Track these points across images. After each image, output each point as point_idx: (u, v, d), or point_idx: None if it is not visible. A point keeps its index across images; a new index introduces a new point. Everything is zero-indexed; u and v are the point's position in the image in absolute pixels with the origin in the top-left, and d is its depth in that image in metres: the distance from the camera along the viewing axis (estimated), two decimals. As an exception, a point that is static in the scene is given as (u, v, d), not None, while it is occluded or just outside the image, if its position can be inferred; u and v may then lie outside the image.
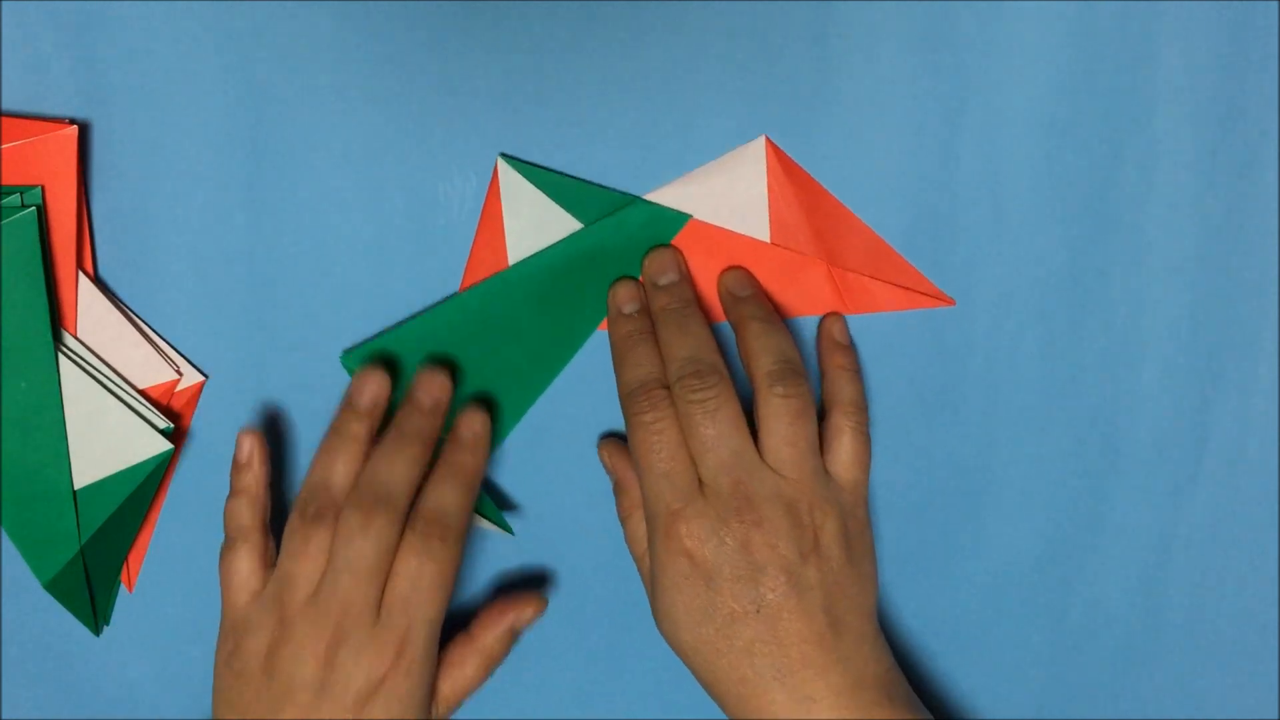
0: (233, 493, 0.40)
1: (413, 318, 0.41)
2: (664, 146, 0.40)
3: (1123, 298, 0.42)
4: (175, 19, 0.39)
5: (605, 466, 0.42)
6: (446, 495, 0.39)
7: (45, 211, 0.39)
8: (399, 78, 0.40)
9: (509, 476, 0.43)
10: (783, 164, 0.40)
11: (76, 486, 0.41)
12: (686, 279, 0.41)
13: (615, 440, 0.42)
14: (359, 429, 0.39)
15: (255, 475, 0.40)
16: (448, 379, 0.40)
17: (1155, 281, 0.42)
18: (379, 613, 0.37)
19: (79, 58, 0.39)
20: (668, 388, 0.39)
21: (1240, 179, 0.41)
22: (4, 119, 0.39)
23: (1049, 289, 0.42)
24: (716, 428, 0.38)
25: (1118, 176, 0.41)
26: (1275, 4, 0.39)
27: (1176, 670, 0.45)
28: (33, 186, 0.39)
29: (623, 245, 0.40)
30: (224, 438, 0.43)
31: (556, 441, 0.43)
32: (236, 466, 0.40)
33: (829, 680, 0.37)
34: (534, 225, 0.40)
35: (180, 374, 0.42)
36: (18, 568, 0.43)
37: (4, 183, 0.39)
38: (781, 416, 0.38)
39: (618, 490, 0.42)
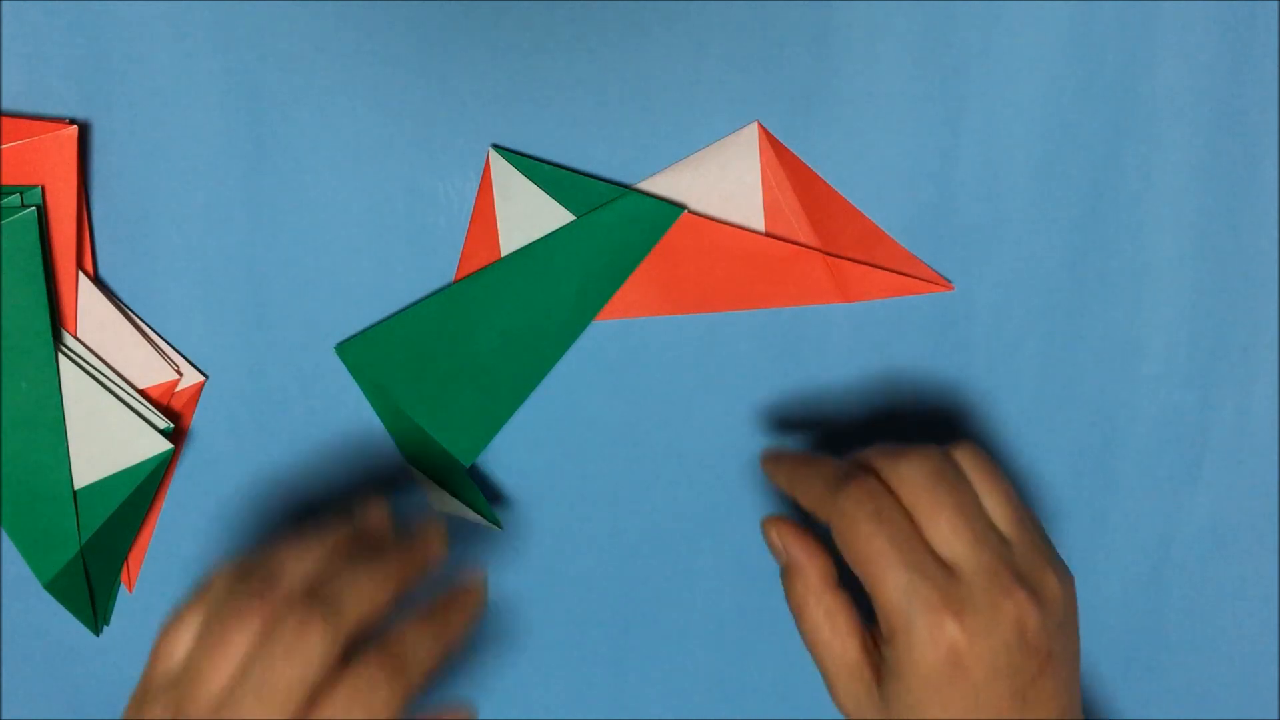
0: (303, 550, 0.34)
1: (406, 309, 0.41)
2: (664, 147, 0.40)
3: (1123, 297, 0.42)
4: (175, 19, 0.39)
5: (774, 548, 0.37)
6: (417, 637, 0.34)
7: (45, 211, 0.39)
8: (398, 77, 0.40)
9: (502, 470, 0.43)
10: (776, 150, 0.40)
11: (76, 486, 0.41)
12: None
13: (785, 519, 0.37)
14: (342, 537, 0.35)
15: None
16: (444, 545, 0.36)
17: (1155, 280, 0.42)
18: None
19: (79, 58, 0.39)
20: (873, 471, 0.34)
21: (1240, 179, 0.41)
22: (4, 119, 0.39)
23: (1049, 289, 0.42)
24: (954, 495, 0.33)
25: (1118, 176, 0.41)
26: (1275, 4, 0.39)
27: (1176, 670, 0.45)
28: (33, 186, 0.39)
29: (616, 237, 0.40)
30: (224, 438, 0.43)
31: (551, 435, 0.43)
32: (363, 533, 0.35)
33: None
34: (526, 216, 0.40)
35: (180, 374, 0.42)
36: (18, 568, 0.43)
37: (4, 183, 0.39)
38: (983, 475, 0.34)
39: (789, 574, 0.36)
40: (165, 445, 0.41)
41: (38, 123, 0.39)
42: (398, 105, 0.40)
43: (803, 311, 0.42)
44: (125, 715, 0.33)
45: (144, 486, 0.42)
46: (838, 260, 0.41)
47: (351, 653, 0.32)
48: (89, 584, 0.42)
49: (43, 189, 0.39)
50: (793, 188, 0.40)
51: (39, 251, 0.39)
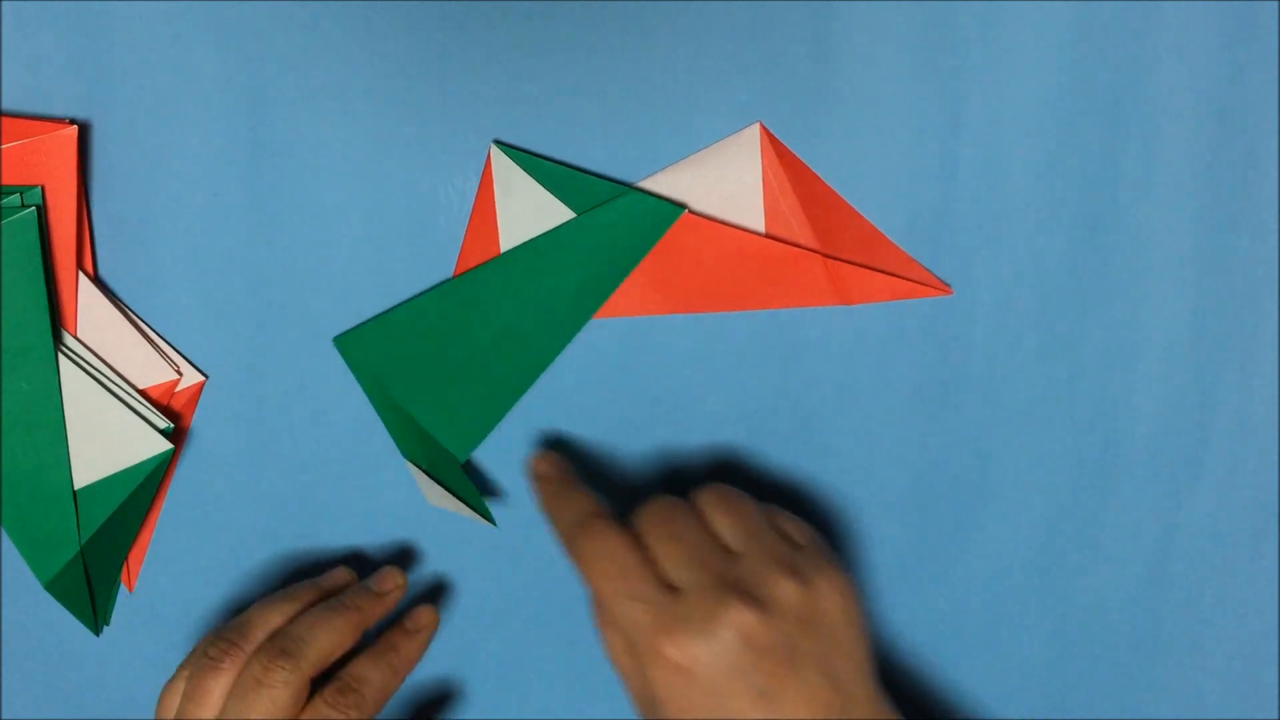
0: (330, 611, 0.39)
1: (405, 302, 0.41)
2: (664, 147, 0.40)
3: (1123, 297, 0.42)
4: (175, 19, 0.39)
5: (580, 578, 0.39)
6: (370, 670, 0.39)
7: (45, 211, 0.39)
8: (398, 77, 0.40)
9: (500, 468, 0.43)
10: (777, 151, 0.40)
11: (76, 486, 0.41)
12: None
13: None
14: (306, 594, 0.40)
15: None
16: (404, 581, 0.41)
17: (1155, 281, 0.42)
18: None
19: (79, 58, 0.39)
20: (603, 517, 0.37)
21: (1240, 179, 0.41)
22: (4, 119, 0.39)
23: (1049, 289, 0.42)
24: (676, 525, 0.36)
25: (1118, 176, 0.41)
26: (1275, 4, 0.39)
27: (1176, 670, 0.45)
28: (33, 186, 0.39)
29: (616, 236, 0.40)
30: (224, 438, 0.43)
31: (549, 433, 0.43)
32: (378, 599, 0.41)
33: None
34: (526, 213, 0.40)
35: (180, 374, 0.42)
36: (18, 568, 0.43)
37: (4, 183, 0.39)
38: (716, 504, 0.37)
39: (592, 604, 0.38)
40: (165, 445, 0.41)
41: (38, 123, 0.39)
42: (398, 105, 0.40)
43: (801, 313, 0.42)
44: None
45: (144, 486, 0.42)
46: (837, 263, 0.41)
47: (316, 687, 0.38)
48: (89, 584, 0.42)
49: (43, 189, 0.39)
50: (793, 189, 0.40)
51: (39, 251, 0.39)
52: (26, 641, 0.44)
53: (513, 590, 0.44)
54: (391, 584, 0.41)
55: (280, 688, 0.36)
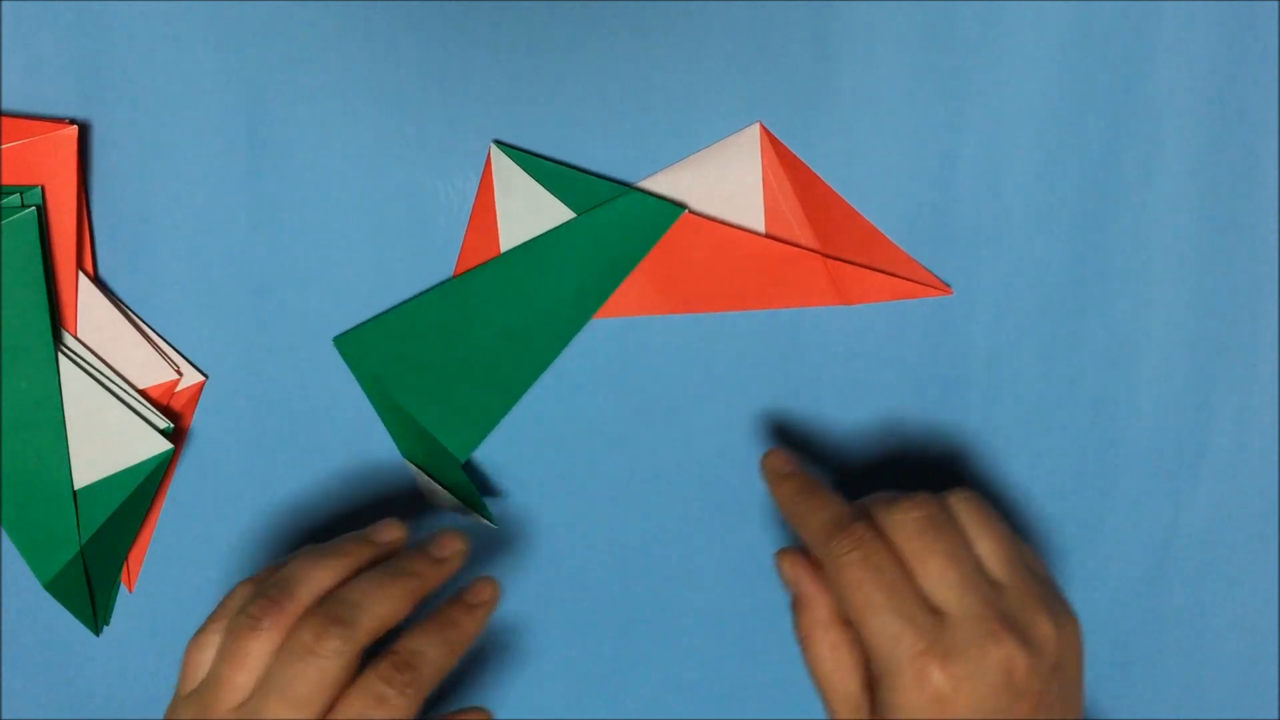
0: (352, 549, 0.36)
1: (406, 302, 0.41)
2: (664, 147, 0.40)
3: (1123, 297, 0.42)
4: (175, 19, 0.39)
5: (785, 579, 0.38)
6: (428, 646, 0.35)
7: (45, 211, 0.39)
8: (398, 77, 0.40)
9: (500, 468, 0.43)
10: (777, 151, 0.40)
11: (76, 486, 0.41)
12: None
13: (797, 552, 0.38)
14: (356, 549, 0.36)
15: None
16: (466, 546, 0.38)
17: (1155, 280, 0.42)
18: None
19: (79, 58, 0.39)
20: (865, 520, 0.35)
21: (1240, 179, 0.41)
22: (4, 119, 0.39)
23: (1049, 289, 0.42)
24: (943, 541, 0.34)
25: (1118, 176, 0.41)
26: (1275, 4, 0.39)
27: (1176, 670, 0.45)
28: (33, 186, 0.39)
29: (616, 236, 0.40)
30: (224, 438, 0.43)
31: (549, 434, 0.43)
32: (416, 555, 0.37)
33: None
34: (527, 213, 0.40)
35: (180, 374, 0.42)
36: (18, 568, 0.43)
37: (4, 183, 0.39)
38: (978, 522, 0.35)
39: (798, 606, 0.37)
40: (165, 445, 0.41)
41: (38, 123, 0.39)
42: (398, 105, 0.40)
43: (801, 313, 0.42)
44: None
45: (144, 486, 0.42)
46: (837, 263, 0.41)
47: (367, 659, 0.34)
48: (89, 584, 0.42)
49: (43, 189, 0.39)
50: (794, 189, 0.40)
51: (39, 251, 0.39)
52: (26, 641, 0.44)
53: (512, 590, 0.44)
54: (451, 549, 0.38)
55: (332, 658, 0.33)
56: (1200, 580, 0.44)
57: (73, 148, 0.39)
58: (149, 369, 0.41)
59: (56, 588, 0.42)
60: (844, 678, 0.36)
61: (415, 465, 0.43)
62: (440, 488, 0.42)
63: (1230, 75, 0.40)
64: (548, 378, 0.42)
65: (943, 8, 0.39)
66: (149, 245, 0.41)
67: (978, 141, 0.40)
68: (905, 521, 0.35)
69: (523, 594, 0.44)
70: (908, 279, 0.41)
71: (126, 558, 0.43)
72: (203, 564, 0.44)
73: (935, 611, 0.33)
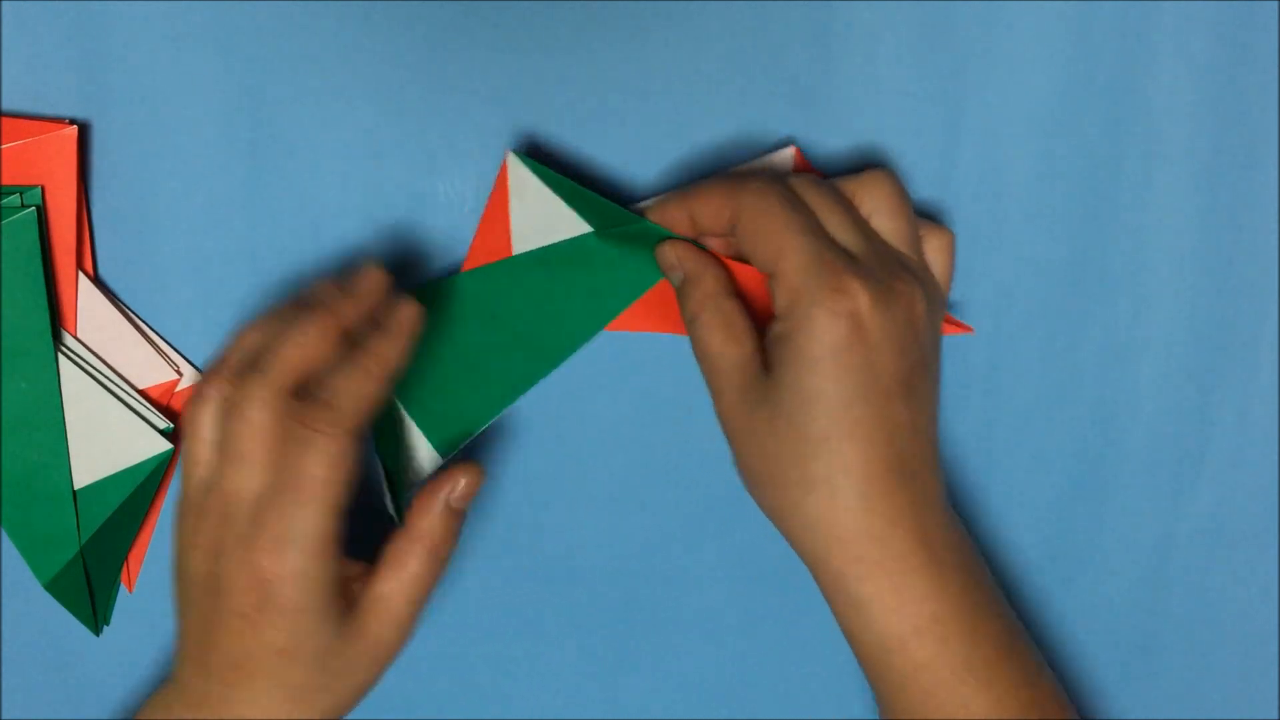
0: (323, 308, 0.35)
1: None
2: (664, 147, 0.40)
3: (1123, 297, 0.42)
4: (175, 19, 0.39)
5: (668, 264, 0.38)
6: (343, 382, 0.34)
7: (45, 211, 0.39)
8: (398, 77, 0.40)
9: (497, 466, 0.43)
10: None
11: (76, 486, 0.41)
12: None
13: (677, 238, 0.38)
14: (291, 303, 0.36)
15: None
16: (384, 279, 0.36)
17: (1155, 280, 0.42)
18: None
19: (79, 58, 0.39)
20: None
21: (1240, 179, 0.41)
22: (4, 119, 0.39)
23: (1049, 289, 0.42)
24: (845, 201, 0.35)
25: (1118, 176, 0.41)
26: (1275, 4, 0.39)
27: (1176, 670, 0.45)
28: (33, 186, 0.39)
29: (628, 263, 0.40)
30: (224, 438, 0.43)
31: (550, 434, 0.43)
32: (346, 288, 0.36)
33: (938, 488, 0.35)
34: (541, 223, 0.40)
35: (180, 374, 0.42)
36: (18, 568, 0.43)
37: (4, 183, 0.39)
38: (820, 191, 0.35)
39: (687, 286, 0.37)
40: (165, 445, 0.41)
41: (38, 123, 0.39)
42: (398, 105, 0.40)
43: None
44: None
45: (144, 486, 0.42)
46: None
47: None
48: (89, 584, 0.42)
49: (43, 189, 0.39)
50: None
51: (39, 251, 0.39)
52: (26, 641, 0.44)
53: (513, 591, 0.44)
54: (368, 282, 0.36)
55: (255, 407, 0.33)
56: (1200, 580, 0.44)
57: (73, 148, 0.39)
58: (149, 369, 0.41)
59: (56, 588, 0.42)
60: (737, 347, 0.35)
61: (382, 463, 0.42)
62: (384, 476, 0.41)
63: (1230, 75, 0.40)
64: (550, 382, 0.42)
65: (943, 8, 0.39)
66: (149, 245, 0.41)
67: (978, 141, 0.40)
68: (804, 181, 0.35)
69: (523, 594, 0.44)
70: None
71: (126, 558, 0.43)
72: (203, 564, 0.44)
73: (845, 251, 0.34)
